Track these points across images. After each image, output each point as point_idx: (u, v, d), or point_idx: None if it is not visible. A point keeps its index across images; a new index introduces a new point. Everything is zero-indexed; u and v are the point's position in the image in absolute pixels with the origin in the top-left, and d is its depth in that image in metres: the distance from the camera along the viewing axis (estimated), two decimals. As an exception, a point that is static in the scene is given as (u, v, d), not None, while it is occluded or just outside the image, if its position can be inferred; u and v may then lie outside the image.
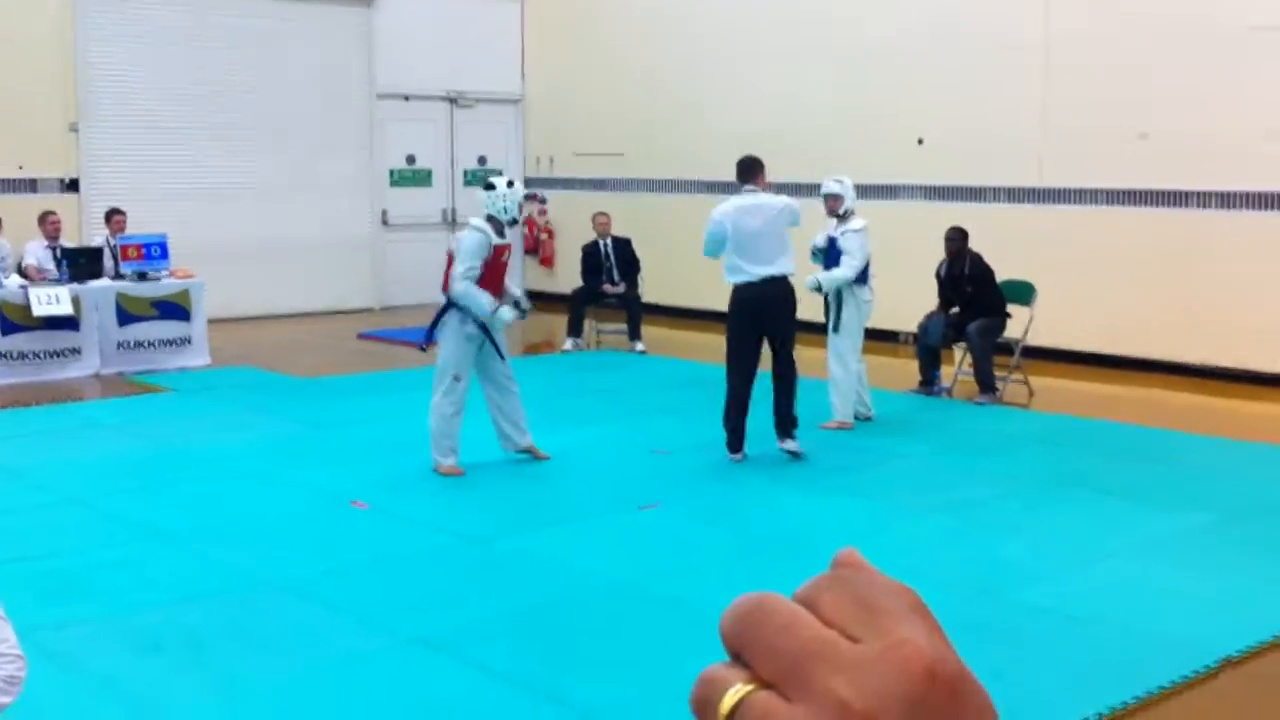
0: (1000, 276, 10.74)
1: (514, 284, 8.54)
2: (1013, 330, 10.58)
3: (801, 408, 8.49)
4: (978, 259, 10.52)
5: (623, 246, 13.37)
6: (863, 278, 9.24)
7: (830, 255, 9.26)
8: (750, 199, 8.13)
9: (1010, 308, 10.63)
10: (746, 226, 7.98)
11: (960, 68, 12.86)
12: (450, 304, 7.91)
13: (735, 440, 8.16)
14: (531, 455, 8.21)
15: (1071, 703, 4.67)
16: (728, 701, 0.53)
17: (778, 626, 0.53)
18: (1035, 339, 10.86)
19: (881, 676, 0.51)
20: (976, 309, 10.41)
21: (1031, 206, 12.56)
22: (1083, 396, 10.78)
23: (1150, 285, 11.69)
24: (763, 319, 8.08)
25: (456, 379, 7.90)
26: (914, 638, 0.52)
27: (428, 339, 8.20)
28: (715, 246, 8.14)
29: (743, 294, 8.07)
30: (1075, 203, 12.31)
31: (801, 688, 0.51)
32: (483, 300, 7.80)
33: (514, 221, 8.12)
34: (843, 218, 9.22)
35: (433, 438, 7.92)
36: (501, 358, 8.06)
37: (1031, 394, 10.62)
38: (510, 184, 8.13)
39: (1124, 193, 11.98)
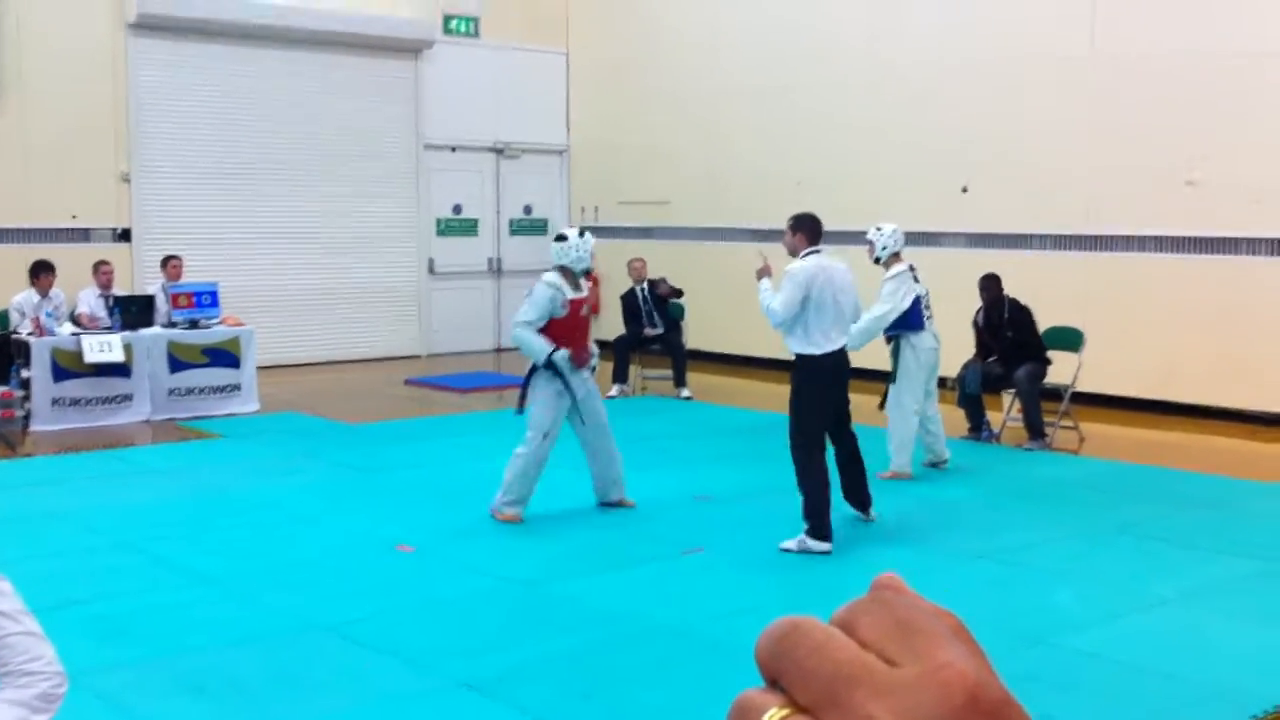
0: (1047, 323, 10.69)
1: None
2: (1062, 376, 10.52)
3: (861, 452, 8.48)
4: (1015, 304, 10.49)
5: (655, 286, 13.41)
6: (918, 323, 9.11)
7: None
8: (827, 260, 7.51)
9: (1059, 354, 10.57)
10: (829, 292, 7.35)
11: (1006, 117, 12.84)
12: (536, 365, 7.91)
13: (829, 527, 7.30)
14: (620, 505, 8.24)
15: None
16: None
17: (812, 648, 0.52)
18: (1084, 385, 10.78)
19: (921, 701, 0.49)
20: (1018, 354, 10.35)
21: (1078, 253, 12.50)
22: (1132, 442, 10.68)
23: (1199, 331, 11.59)
24: (837, 391, 7.56)
25: (545, 436, 7.88)
26: (955, 661, 0.50)
27: (521, 401, 8.17)
28: (795, 309, 7.32)
29: (824, 364, 7.37)
30: (1122, 249, 12.24)
31: (838, 711, 0.49)
32: (536, 345, 7.81)
33: (588, 271, 8.09)
34: (884, 265, 9.15)
35: (505, 483, 7.86)
36: (587, 413, 8.01)
37: (1082, 440, 10.53)
38: (582, 233, 8.08)
39: (1171, 239, 11.91)
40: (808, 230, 7.57)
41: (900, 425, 9.07)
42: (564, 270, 7.96)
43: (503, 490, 7.87)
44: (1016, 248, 12.70)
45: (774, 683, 0.53)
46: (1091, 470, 9.60)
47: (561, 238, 8.09)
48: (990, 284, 10.52)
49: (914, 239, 13.64)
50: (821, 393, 7.41)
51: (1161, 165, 11.76)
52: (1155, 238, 12.01)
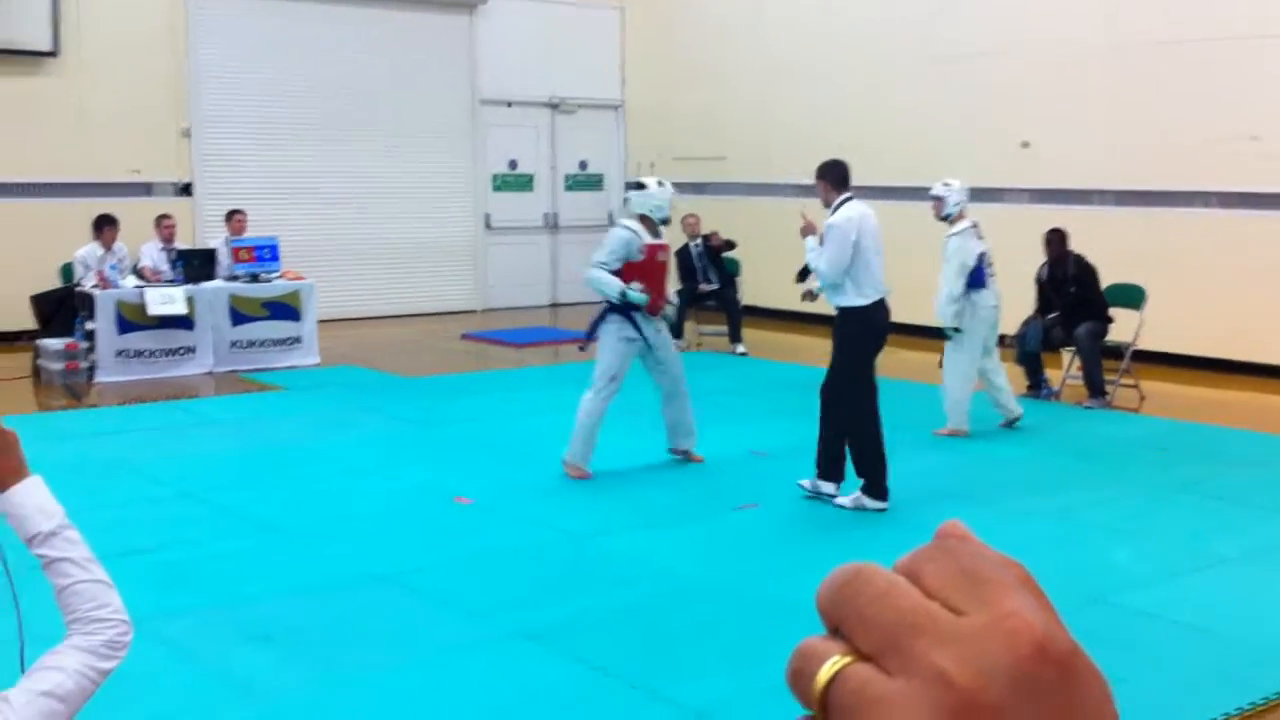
0: (1108, 280, 10.57)
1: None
2: (1123, 334, 10.40)
3: (918, 411, 8.42)
4: (1081, 260, 10.36)
5: (708, 240, 13.36)
6: (979, 282, 8.96)
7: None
8: (863, 207, 7.27)
9: (1120, 312, 10.45)
10: (872, 239, 7.15)
11: (1067, 69, 12.66)
12: (611, 306, 7.90)
13: (886, 484, 7.20)
14: (686, 458, 8.22)
15: (1182, 709, 4.58)
16: (824, 674, 0.50)
17: (875, 596, 0.51)
18: (1145, 343, 10.65)
19: (987, 650, 0.48)
20: (1081, 311, 10.24)
21: (1140, 209, 12.32)
22: (1194, 401, 10.56)
23: (1262, 289, 11.40)
24: (881, 343, 7.33)
25: (612, 379, 7.90)
26: (1022, 610, 0.49)
27: (587, 337, 8.23)
28: (845, 263, 7.10)
29: (873, 315, 7.17)
30: (1185, 205, 12.05)
31: (901, 660, 0.48)
32: (612, 285, 7.78)
33: (666, 220, 8.08)
34: (949, 222, 9.04)
35: (577, 434, 7.85)
36: (667, 357, 8.08)
37: (1143, 398, 10.42)
38: (660, 183, 8.12)
39: (1235, 195, 11.71)
40: (833, 177, 7.36)
41: (957, 383, 8.95)
42: (643, 218, 8.00)
43: (574, 440, 7.84)
44: (1079, 203, 12.54)
45: (835, 630, 0.52)
46: (1152, 429, 9.51)
47: (641, 185, 8.17)
48: (1055, 239, 10.40)
49: (974, 195, 13.52)
50: (872, 344, 7.27)
51: (1224, 121, 11.55)
52: (1219, 194, 11.81)
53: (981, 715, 0.47)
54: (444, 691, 4.84)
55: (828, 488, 7.27)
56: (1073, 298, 10.30)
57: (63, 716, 2.26)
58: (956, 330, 8.89)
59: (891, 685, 0.48)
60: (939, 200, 9.12)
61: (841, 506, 7.20)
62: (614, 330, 7.90)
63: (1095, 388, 10.14)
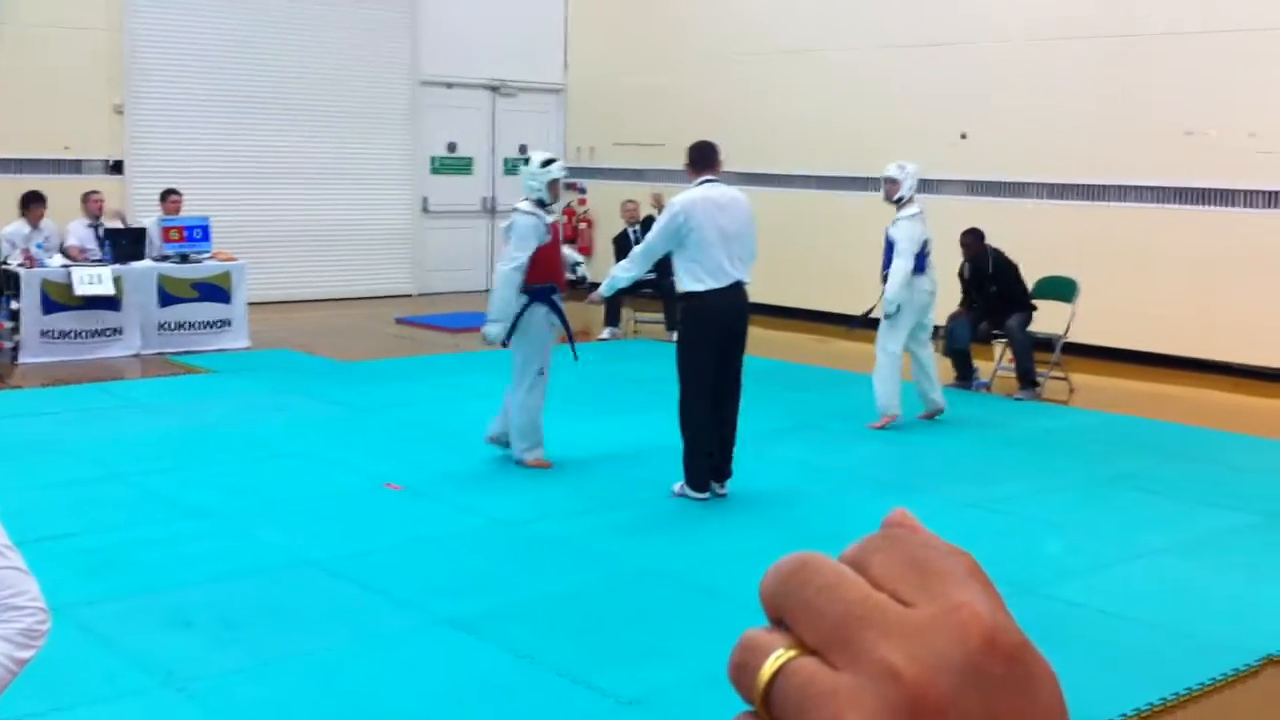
0: (1042, 272, 10.66)
1: (568, 250, 8.37)
2: (1054, 326, 10.49)
3: (856, 401, 8.41)
4: (999, 254, 10.44)
5: (649, 226, 13.33)
6: (920, 267, 8.90)
7: (888, 250, 8.99)
8: (717, 190, 7.06)
9: (1052, 304, 10.53)
10: (718, 223, 6.93)
11: (1006, 61, 12.74)
12: (534, 296, 7.57)
13: (707, 476, 7.12)
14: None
15: (1110, 699, 4.61)
16: (768, 668, 0.49)
17: (822, 587, 0.49)
18: (1077, 336, 10.75)
19: (935, 643, 0.47)
20: (1005, 306, 10.31)
21: (1075, 203, 12.44)
22: (1124, 394, 10.68)
23: (1194, 284, 11.55)
24: (727, 334, 7.04)
25: (540, 373, 7.65)
26: (972, 602, 0.48)
27: (507, 338, 7.75)
28: (670, 243, 7.02)
29: (711, 302, 6.93)
30: (1119, 199, 12.18)
31: (848, 653, 0.47)
32: (510, 304, 7.51)
33: (541, 202, 7.78)
34: (899, 205, 8.97)
35: (520, 432, 7.64)
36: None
37: (1072, 390, 10.52)
38: (545, 163, 7.86)
39: (1168, 189, 11.85)
40: (693, 159, 7.21)
41: (886, 362, 8.84)
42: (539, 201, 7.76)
43: (518, 439, 7.66)
44: (1014, 195, 12.63)
45: (779, 622, 0.50)
46: (1083, 421, 9.60)
47: (527, 161, 7.98)
48: (970, 239, 10.43)
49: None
50: (710, 333, 6.98)
51: (1159, 115, 11.68)
52: (1152, 188, 11.95)
53: (930, 709, 0.46)
54: (372, 679, 4.78)
55: (696, 495, 7.13)
56: (994, 294, 10.35)
57: (-25, 706, 2.19)
58: (899, 310, 8.83)
59: (838, 679, 0.47)
60: (894, 183, 9.03)
61: (672, 494, 7.17)
62: (540, 319, 7.64)
63: (1026, 378, 10.22)
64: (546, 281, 7.61)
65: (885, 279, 8.97)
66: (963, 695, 0.46)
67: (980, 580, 0.50)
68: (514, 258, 7.53)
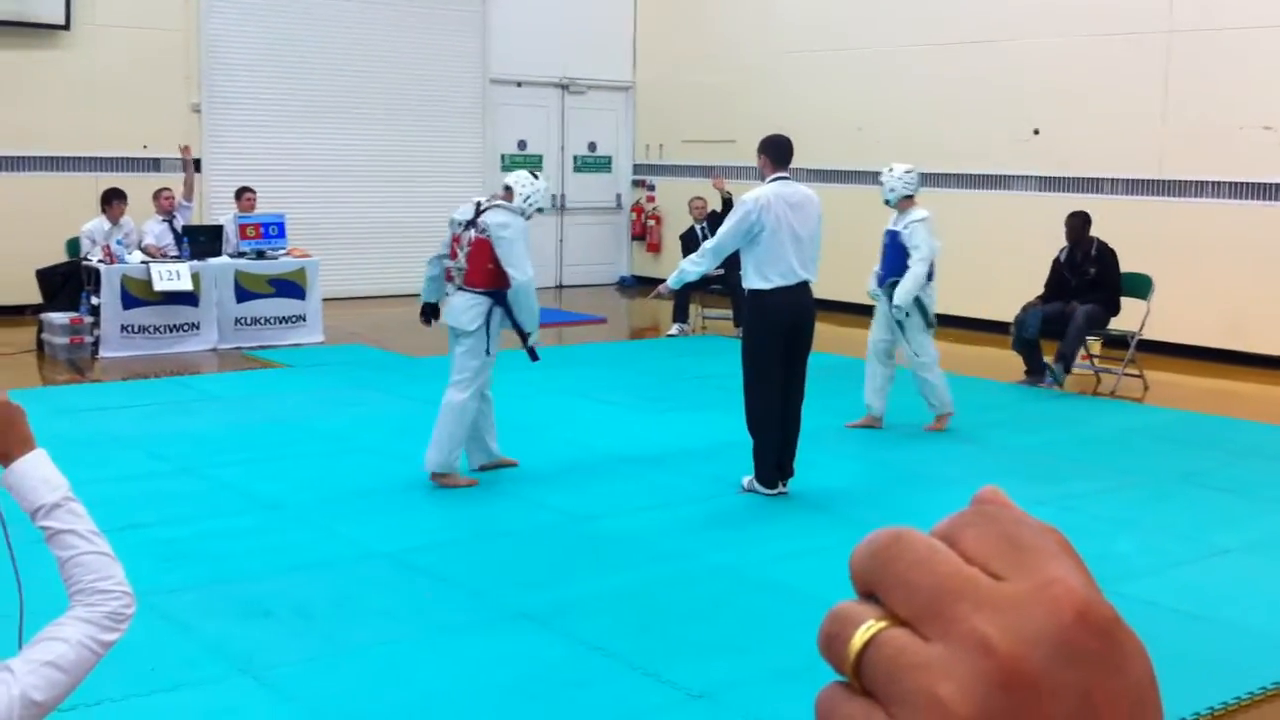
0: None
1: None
2: (1129, 323, 10.39)
3: (915, 399, 8.34)
4: (1103, 245, 10.37)
5: (716, 221, 13.33)
6: (930, 275, 8.56)
7: (890, 250, 8.62)
8: (790, 189, 7.04)
9: (1127, 301, 10.43)
10: (791, 222, 6.90)
11: (1078, 56, 12.62)
12: (497, 300, 7.19)
13: (777, 473, 7.15)
14: (503, 465, 7.63)
15: (1180, 698, 4.57)
16: (859, 638, 0.49)
17: (914, 561, 0.49)
18: (1152, 333, 10.64)
19: (1029, 617, 0.47)
20: (1093, 294, 10.21)
21: (1150, 199, 12.30)
22: (1199, 392, 10.55)
23: (1270, 280, 11.38)
24: (794, 333, 7.02)
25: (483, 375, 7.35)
26: (1065, 577, 0.48)
27: (533, 353, 7.53)
28: (741, 240, 6.95)
29: (780, 300, 6.92)
30: (1195, 195, 12.03)
31: (940, 626, 0.48)
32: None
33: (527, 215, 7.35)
34: (898, 208, 8.61)
35: (455, 441, 7.20)
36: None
37: (1146, 388, 10.41)
38: (537, 175, 7.49)
39: (1246, 185, 11.69)
40: (771, 154, 7.13)
41: (929, 375, 8.60)
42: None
43: (453, 449, 7.20)
44: (1088, 191, 12.50)
45: (869, 595, 0.51)
46: (1156, 419, 9.49)
47: (535, 174, 7.49)
48: (1075, 221, 10.42)
49: (983, 181, 13.53)
50: (777, 332, 6.96)
51: (1237, 110, 11.51)
52: (1229, 183, 11.79)
53: (1022, 682, 0.46)
54: (444, 669, 4.85)
55: (765, 491, 7.15)
56: (1088, 280, 10.28)
57: (65, 686, 2.27)
58: (908, 315, 8.53)
59: (930, 650, 0.47)
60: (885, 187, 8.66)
61: (741, 489, 7.19)
62: (496, 324, 7.27)
63: (1063, 362, 10.17)
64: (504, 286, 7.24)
65: (880, 280, 8.67)
66: (1055, 669, 0.46)
67: (1071, 556, 0.50)
68: (529, 268, 7.18)
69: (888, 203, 8.67)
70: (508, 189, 7.37)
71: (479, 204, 7.36)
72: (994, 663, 0.46)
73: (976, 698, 0.46)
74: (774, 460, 7.12)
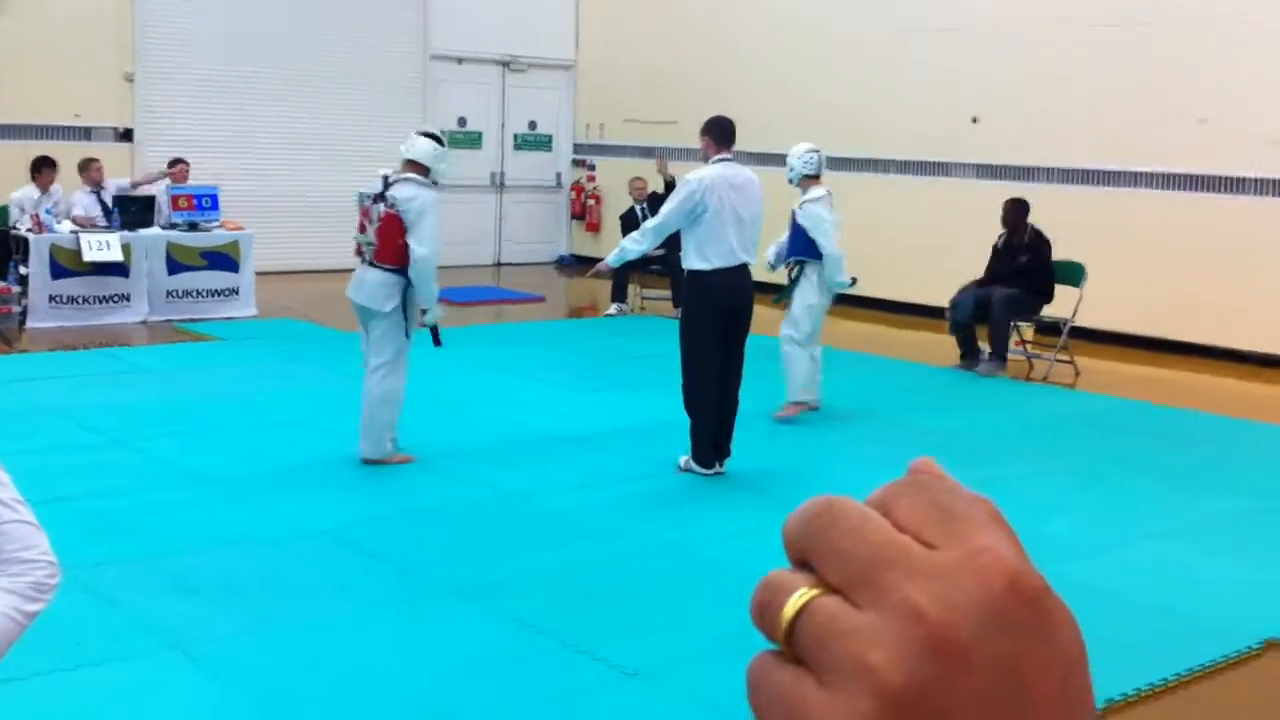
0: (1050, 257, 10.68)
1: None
2: (1061, 310, 10.51)
3: (848, 382, 8.35)
4: (1038, 233, 10.51)
5: (657, 202, 13.32)
6: (819, 254, 8.38)
7: (792, 229, 8.48)
8: (733, 171, 7.04)
9: (1060, 289, 10.55)
10: (733, 204, 6.90)
11: (1017, 45, 12.71)
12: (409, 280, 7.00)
13: (713, 454, 7.16)
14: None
15: (1110, 679, 4.63)
16: (791, 606, 0.49)
17: (848, 529, 0.50)
18: (1083, 320, 10.76)
19: (959, 585, 0.47)
20: (1025, 280, 10.35)
21: (1084, 188, 12.43)
22: (1130, 379, 10.68)
23: (1201, 270, 11.54)
24: (732, 314, 7.03)
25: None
26: (995, 546, 0.48)
27: (436, 334, 7.29)
28: (684, 220, 6.93)
29: (719, 282, 6.92)
30: (1128, 185, 12.17)
31: (871, 594, 0.48)
32: (435, 286, 7.11)
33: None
34: (800, 187, 8.50)
35: (385, 427, 7.07)
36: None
37: (1078, 374, 10.53)
38: (440, 138, 7.25)
39: (1178, 176, 11.83)
40: (714, 134, 7.11)
41: (797, 357, 8.42)
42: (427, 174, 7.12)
43: (379, 435, 7.08)
44: (1024, 180, 12.61)
45: (802, 564, 0.51)
46: (1088, 405, 9.61)
47: (435, 138, 7.20)
48: (1010, 207, 10.59)
49: (923, 168, 13.61)
50: (715, 313, 6.96)
51: (1173, 103, 11.65)
52: (1163, 175, 11.94)
53: (952, 650, 0.46)
54: (375, 646, 4.81)
55: (701, 471, 7.16)
56: (1019, 266, 10.40)
57: (-14, 657, 2.21)
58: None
59: (862, 618, 0.48)
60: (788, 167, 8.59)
61: (678, 469, 7.19)
62: (413, 303, 7.09)
63: (997, 352, 10.36)
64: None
65: (776, 262, 8.55)
66: (985, 637, 0.47)
67: (1003, 526, 0.51)
68: (429, 243, 6.97)
69: (790, 182, 8.60)
70: (410, 162, 7.11)
71: (386, 178, 7.16)
72: (924, 630, 0.46)
73: (906, 665, 0.46)
74: (710, 440, 7.13)
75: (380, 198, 7.07)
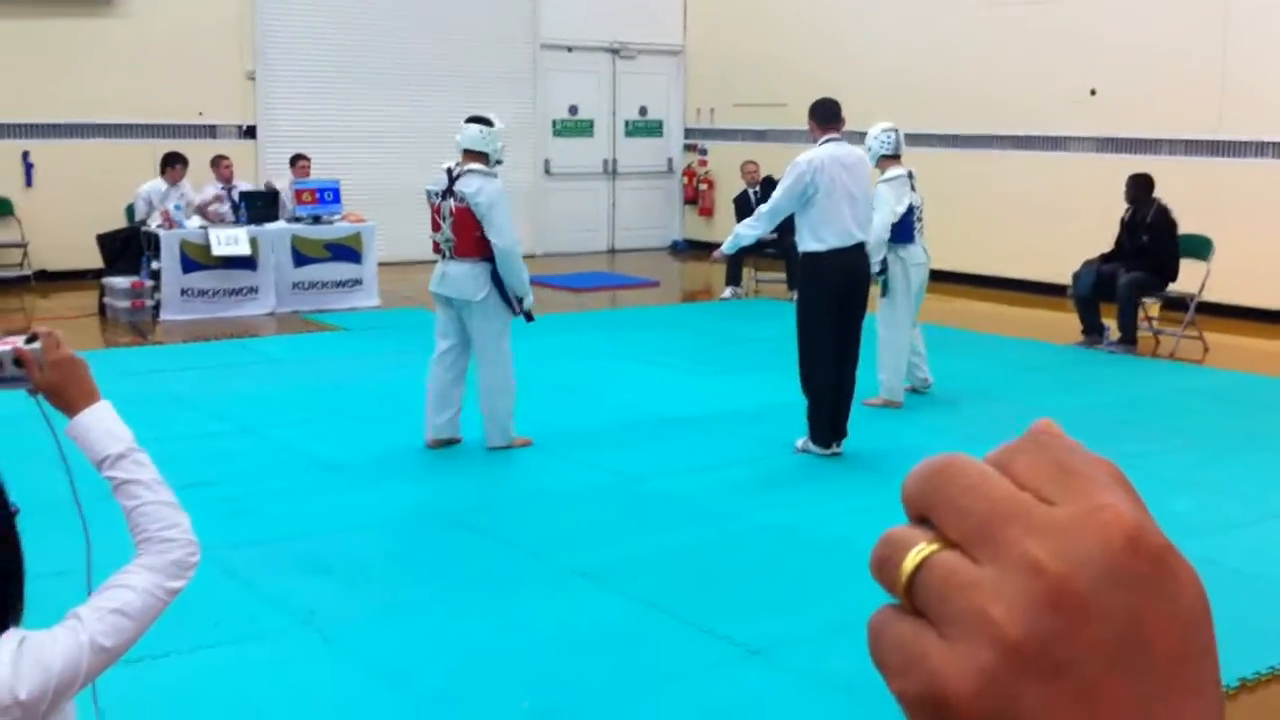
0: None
1: None
2: (1189, 285, 10.28)
3: (966, 362, 8.26)
4: (1163, 210, 10.29)
5: (771, 187, 13.28)
6: (908, 236, 8.22)
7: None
8: (843, 150, 7.01)
9: (1187, 263, 10.33)
10: (845, 183, 6.88)
11: (1136, 16, 12.43)
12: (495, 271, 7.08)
13: (830, 434, 7.17)
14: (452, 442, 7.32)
15: (1240, 658, 4.55)
16: (910, 561, 0.50)
17: (966, 486, 0.50)
18: (1212, 295, 10.51)
19: (1078, 541, 0.47)
20: (1148, 260, 10.15)
21: (1209, 159, 12.12)
22: (1261, 354, 10.42)
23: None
24: (848, 295, 6.99)
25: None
26: (1116, 504, 0.48)
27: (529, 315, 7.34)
28: (796, 202, 6.93)
29: (835, 263, 6.90)
30: (1255, 155, 11.84)
31: (991, 548, 0.48)
32: (527, 277, 7.17)
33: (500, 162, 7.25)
34: (880, 168, 8.30)
35: (507, 414, 7.20)
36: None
37: (1206, 350, 10.29)
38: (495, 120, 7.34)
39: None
40: (818, 117, 7.11)
41: (891, 347, 8.23)
42: (491, 160, 7.19)
43: (507, 423, 7.20)
44: (1146, 153, 12.34)
45: (920, 520, 0.51)
46: (1216, 381, 9.39)
47: (486, 121, 7.31)
48: (1131, 184, 10.40)
49: (1039, 143, 13.38)
50: (834, 294, 6.93)
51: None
52: (1289, 144, 11.61)
53: (1071, 603, 0.47)
54: (502, 625, 4.90)
55: (819, 450, 7.16)
56: (1140, 246, 10.21)
57: (132, 633, 2.30)
58: (882, 274, 8.16)
59: (982, 572, 0.48)
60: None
61: (796, 450, 7.19)
62: (501, 288, 7.13)
63: (1125, 334, 10.20)
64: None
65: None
66: (1104, 591, 0.47)
67: (1124, 486, 0.51)
68: (511, 231, 7.09)
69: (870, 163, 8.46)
70: (469, 152, 7.16)
71: (450, 171, 7.19)
72: (1044, 584, 0.47)
73: (1026, 617, 0.47)
74: (828, 421, 7.12)
75: (449, 193, 7.12)
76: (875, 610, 0.51)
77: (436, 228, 7.24)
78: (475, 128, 7.22)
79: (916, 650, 0.49)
